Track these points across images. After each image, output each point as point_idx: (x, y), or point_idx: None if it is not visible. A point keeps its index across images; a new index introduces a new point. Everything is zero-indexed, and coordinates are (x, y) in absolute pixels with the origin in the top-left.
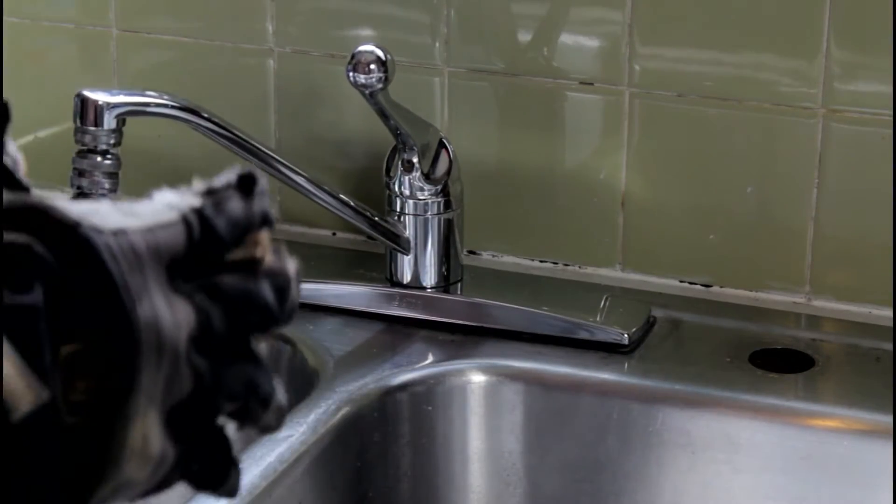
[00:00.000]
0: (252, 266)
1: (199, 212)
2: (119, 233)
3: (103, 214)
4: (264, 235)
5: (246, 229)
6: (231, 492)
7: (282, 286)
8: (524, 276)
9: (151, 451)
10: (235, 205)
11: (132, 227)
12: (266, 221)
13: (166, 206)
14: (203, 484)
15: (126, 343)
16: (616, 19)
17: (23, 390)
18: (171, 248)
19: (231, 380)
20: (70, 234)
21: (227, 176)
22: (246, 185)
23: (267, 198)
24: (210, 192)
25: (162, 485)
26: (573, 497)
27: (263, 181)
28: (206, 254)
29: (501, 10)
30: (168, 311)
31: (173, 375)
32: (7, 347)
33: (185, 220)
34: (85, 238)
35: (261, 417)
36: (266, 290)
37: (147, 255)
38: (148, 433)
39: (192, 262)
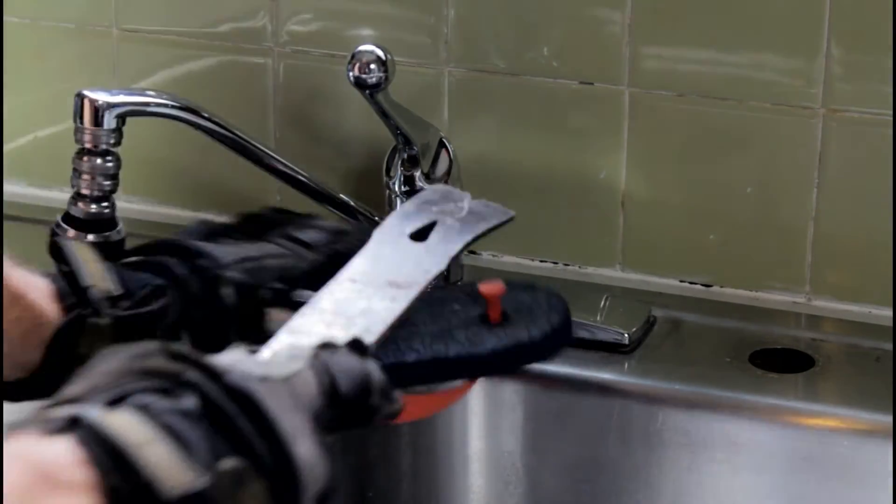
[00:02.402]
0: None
1: (322, 363)
2: (263, 379)
3: (246, 364)
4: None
5: (363, 386)
6: None
7: None
8: (524, 276)
9: None
10: (349, 361)
11: (273, 374)
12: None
13: (289, 356)
14: None
15: (291, 479)
16: (616, 19)
17: (177, 475)
18: (308, 396)
19: None
20: (222, 377)
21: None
22: (357, 346)
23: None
24: (326, 346)
25: None
26: (573, 497)
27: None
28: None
29: (501, 10)
30: (319, 458)
31: None
32: (163, 437)
33: (313, 369)
34: (236, 381)
35: None
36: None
37: (291, 400)
38: None
39: (325, 412)
